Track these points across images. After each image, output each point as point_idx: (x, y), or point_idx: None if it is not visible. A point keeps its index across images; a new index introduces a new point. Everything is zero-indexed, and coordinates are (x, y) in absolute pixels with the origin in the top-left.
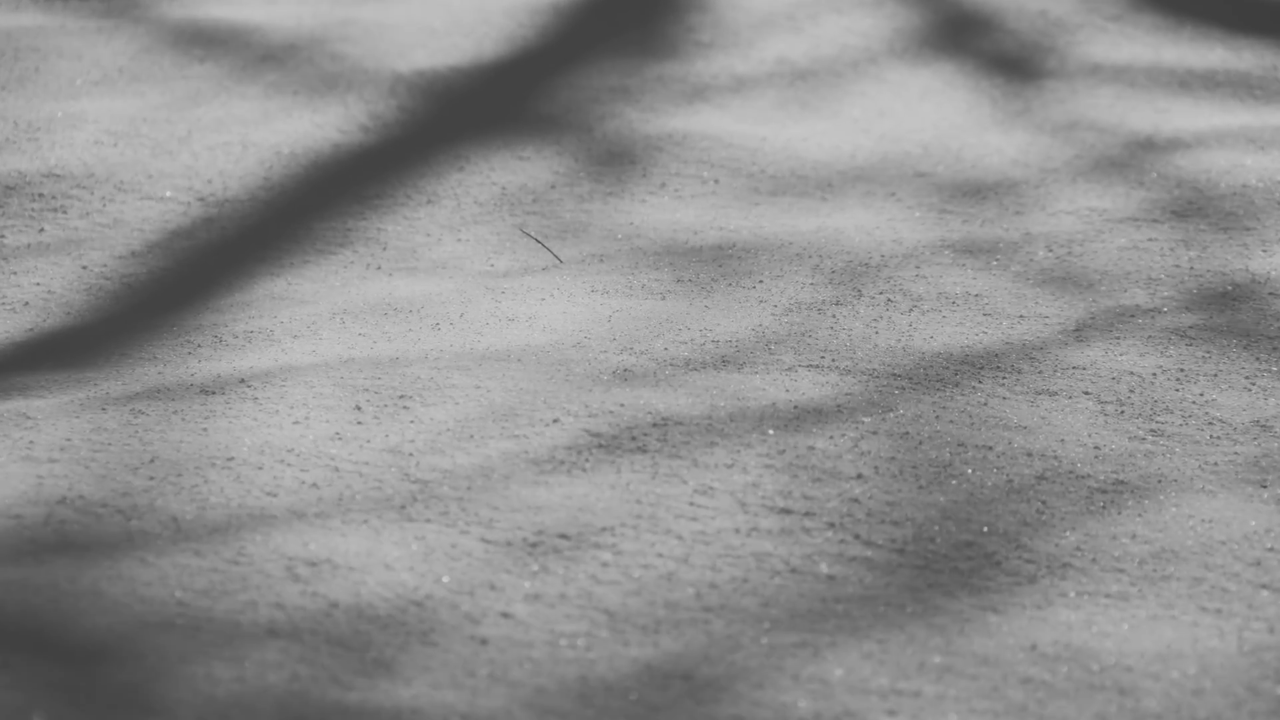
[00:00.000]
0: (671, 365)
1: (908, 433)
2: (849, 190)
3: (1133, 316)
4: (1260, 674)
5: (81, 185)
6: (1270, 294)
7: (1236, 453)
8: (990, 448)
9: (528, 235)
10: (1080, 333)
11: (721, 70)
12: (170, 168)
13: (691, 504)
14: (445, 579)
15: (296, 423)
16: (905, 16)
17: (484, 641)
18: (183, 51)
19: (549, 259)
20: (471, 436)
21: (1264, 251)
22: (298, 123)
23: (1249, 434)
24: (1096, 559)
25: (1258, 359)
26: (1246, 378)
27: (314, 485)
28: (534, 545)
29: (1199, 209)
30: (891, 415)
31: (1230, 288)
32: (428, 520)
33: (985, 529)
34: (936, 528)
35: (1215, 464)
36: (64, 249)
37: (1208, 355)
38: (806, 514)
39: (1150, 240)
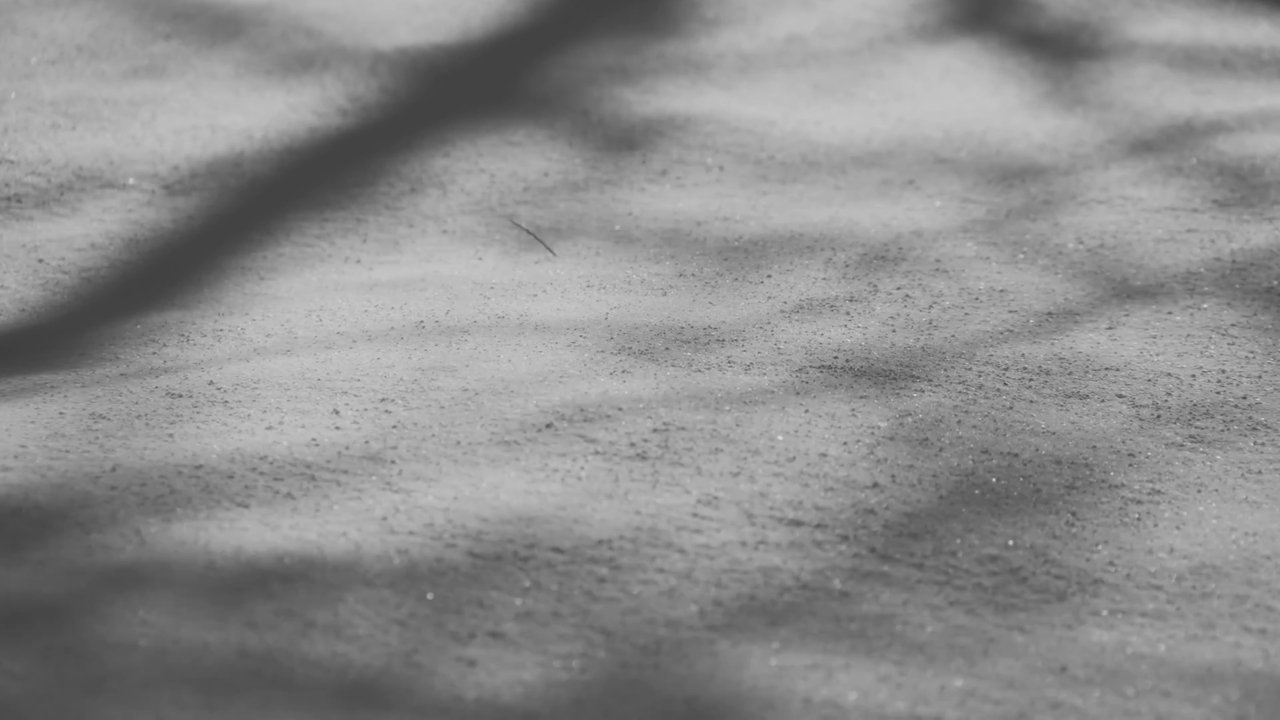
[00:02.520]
0: (673, 366)
1: (927, 439)
2: (864, 178)
3: (1170, 314)
4: None
5: (37, 172)
6: None
7: None
8: (1016, 455)
9: (518, 226)
10: (1114, 331)
11: (727, 49)
12: (133, 153)
13: (695, 515)
14: (430, 596)
15: (269, 428)
16: None
17: (472, 663)
18: (146, 27)
19: (541, 252)
20: (458, 443)
21: None
22: (271, 104)
23: None
24: (1131, 575)
25: None
26: None
27: (288, 495)
28: (525, 559)
29: (1242, 198)
30: (910, 420)
31: (1276, 282)
32: (411, 532)
33: (1011, 542)
34: (958, 541)
35: (1259, 472)
36: (18, 241)
37: (1251, 355)
38: (818, 526)
39: (1189, 231)
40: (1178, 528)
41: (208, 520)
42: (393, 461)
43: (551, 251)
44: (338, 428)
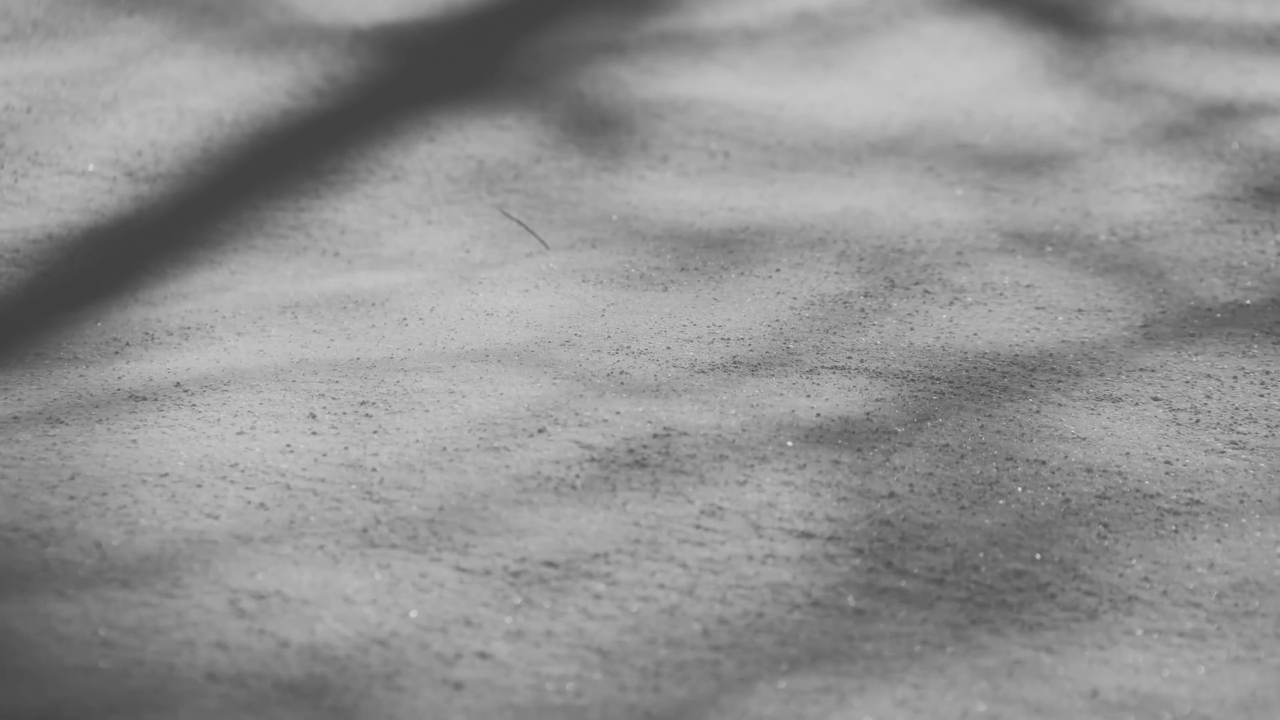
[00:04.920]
0: (675, 367)
1: (948, 445)
2: (880, 164)
3: (1210, 311)
4: None
5: None
6: None
7: None
8: (1044, 462)
9: (509, 217)
10: (1149, 329)
11: (732, 25)
12: (94, 138)
13: (698, 527)
14: (413, 614)
15: (241, 433)
16: None
17: (458, 686)
18: (108, 2)
19: (533, 244)
20: (444, 449)
21: None
22: (242, 85)
23: None
24: (1167, 591)
25: None
26: None
27: (261, 506)
28: (516, 575)
29: None
30: (929, 425)
31: None
32: (393, 546)
33: (1038, 556)
34: (981, 555)
35: None
36: None
37: None
38: (830, 538)
39: (1230, 222)
40: (1218, 541)
41: (174, 533)
42: (373, 469)
43: (544, 243)
44: (314, 433)
